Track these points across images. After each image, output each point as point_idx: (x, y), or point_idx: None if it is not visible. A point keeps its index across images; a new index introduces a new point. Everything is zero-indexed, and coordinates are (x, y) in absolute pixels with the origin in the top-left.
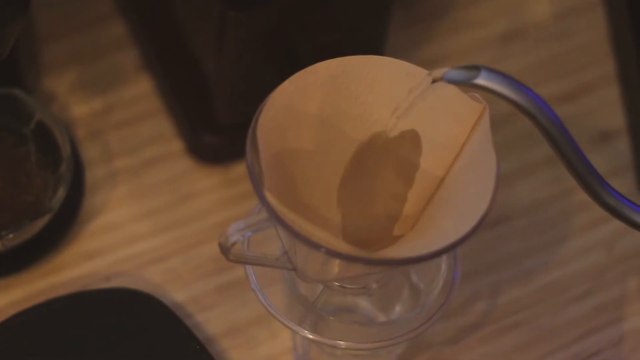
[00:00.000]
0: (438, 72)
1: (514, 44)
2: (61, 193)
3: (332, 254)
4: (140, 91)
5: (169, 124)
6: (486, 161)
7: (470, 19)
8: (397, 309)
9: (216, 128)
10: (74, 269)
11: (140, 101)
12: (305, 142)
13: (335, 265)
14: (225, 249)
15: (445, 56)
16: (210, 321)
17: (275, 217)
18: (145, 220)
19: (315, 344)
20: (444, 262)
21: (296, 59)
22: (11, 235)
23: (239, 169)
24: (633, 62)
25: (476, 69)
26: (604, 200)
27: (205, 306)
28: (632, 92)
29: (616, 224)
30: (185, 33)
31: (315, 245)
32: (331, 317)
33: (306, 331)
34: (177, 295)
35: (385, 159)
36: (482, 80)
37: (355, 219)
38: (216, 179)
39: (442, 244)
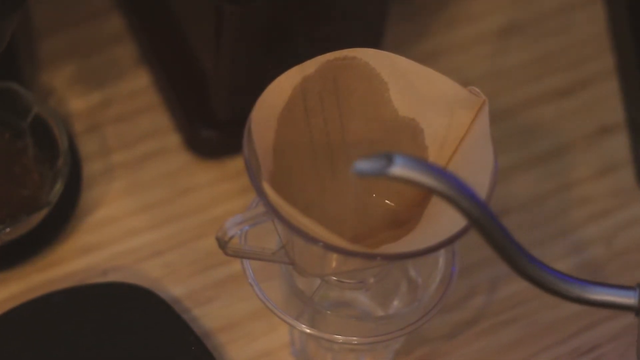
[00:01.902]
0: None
1: (513, 38)
2: (58, 187)
3: (330, 248)
4: (138, 85)
5: (166, 118)
6: (484, 155)
7: (469, 13)
8: (395, 303)
9: (213, 122)
10: (71, 263)
11: (138, 95)
12: (301, 136)
13: (333, 260)
14: (222, 243)
15: (443, 50)
16: (207, 315)
17: (273, 211)
18: (142, 215)
19: (313, 339)
20: (441, 257)
21: (293, 53)
22: (8, 230)
23: (237, 164)
24: (632, 56)
25: (388, 157)
26: (527, 272)
27: (203, 301)
28: (631, 86)
29: (615, 219)
30: (183, 27)
31: (312, 240)
32: (329, 312)
33: (303, 325)
34: (174, 289)
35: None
36: (397, 169)
37: (352, 212)
38: (213, 174)
39: (440, 238)
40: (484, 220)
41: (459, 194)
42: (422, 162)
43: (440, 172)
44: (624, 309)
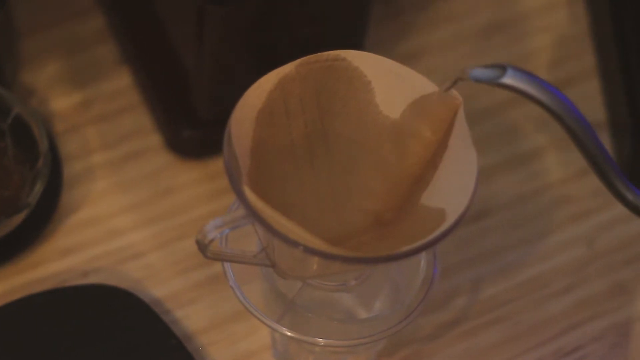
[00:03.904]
0: (464, 72)
1: (495, 37)
2: (39, 188)
3: (310, 251)
4: (120, 85)
5: (148, 118)
6: (466, 157)
7: (451, 13)
8: (377, 305)
9: (195, 123)
10: (52, 265)
11: (120, 95)
12: (281, 138)
13: (314, 263)
14: (202, 247)
15: (425, 50)
16: (189, 317)
17: (253, 214)
18: (123, 216)
19: (295, 341)
20: (423, 259)
21: (275, 54)
22: None
23: (218, 164)
24: (613, 56)
25: (502, 68)
26: (624, 197)
27: (184, 302)
28: (612, 86)
29: (596, 219)
30: (165, 27)
31: (292, 243)
32: (310, 314)
33: (284, 328)
34: (155, 291)
35: (363, 154)
36: (508, 79)
37: (333, 214)
38: (195, 174)
39: (421, 241)
40: (584, 137)
41: (564, 110)
42: (531, 76)
43: (547, 86)
44: None
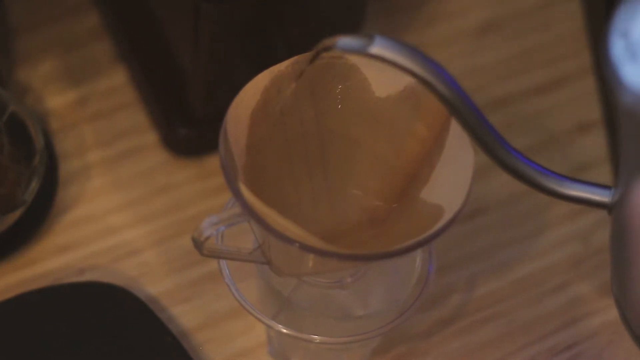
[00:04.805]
0: (329, 41)
1: (491, 35)
2: (34, 186)
3: (306, 248)
4: (115, 83)
5: (144, 116)
6: (463, 156)
7: (448, 10)
8: (373, 302)
9: (191, 120)
10: (47, 262)
11: (115, 93)
12: (276, 136)
13: (309, 260)
14: (198, 244)
15: (422, 47)
16: (184, 315)
17: (249, 212)
18: (119, 213)
19: (290, 338)
20: (418, 256)
21: (271, 51)
22: None
23: (214, 162)
24: None
25: (370, 37)
26: (506, 162)
27: (180, 300)
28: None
29: (592, 217)
30: (160, 25)
31: (288, 240)
32: (306, 311)
33: (280, 325)
34: (151, 288)
35: (358, 152)
36: (376, 48)
37: (328, 211)
38: (191, 172)
39: (416, 237)
40: (463, 108)
41: (437, 79)
42: (401, 44)
43: (419, 55)
44: (597, 206)
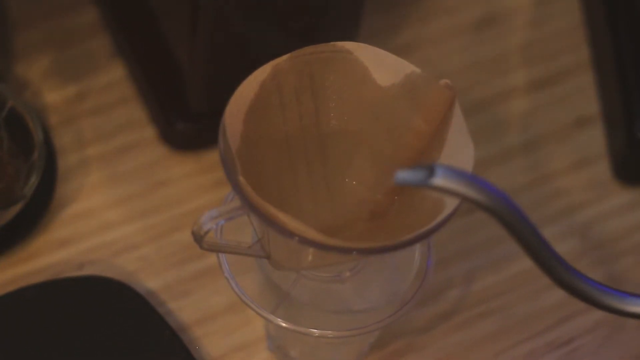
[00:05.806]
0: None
1: (489, 30)
2: (33, 180)
3: (306, 242)
4: (113, 78)
5: (142, 111)
6: (464, 151)
7: (446, 5)
8: (371, 296)
9: (189, 115)
10: (46, 257)
11: (113, 88)
12: (276, 130)
13: (309, 254)
14: (198, 238)
15: (418, 43)
16: (183, 309)
17: (248, 205)
18: (118, 208)
19: (289, 332)
20: (417, 250)
21: (269, 47)
22: None
23: (213, 156)
24: (607, 49)
25: (430, 169)
26: (566, 283)
27: (178, 294)
28: (606, 78)
29: (590, 211)
30: (158, 19)
31: (288, 234)
32: (304, 305)
33: (279, 319)
34: (150, 283)
35: (358, 146)
36: (439, 180)
37: (328, 205)
38: (190, 166)
39: (415, 232)
40: (527, 234)
41: (502, 207)
42: (462, 173)
43: (482, 183)
44: None
